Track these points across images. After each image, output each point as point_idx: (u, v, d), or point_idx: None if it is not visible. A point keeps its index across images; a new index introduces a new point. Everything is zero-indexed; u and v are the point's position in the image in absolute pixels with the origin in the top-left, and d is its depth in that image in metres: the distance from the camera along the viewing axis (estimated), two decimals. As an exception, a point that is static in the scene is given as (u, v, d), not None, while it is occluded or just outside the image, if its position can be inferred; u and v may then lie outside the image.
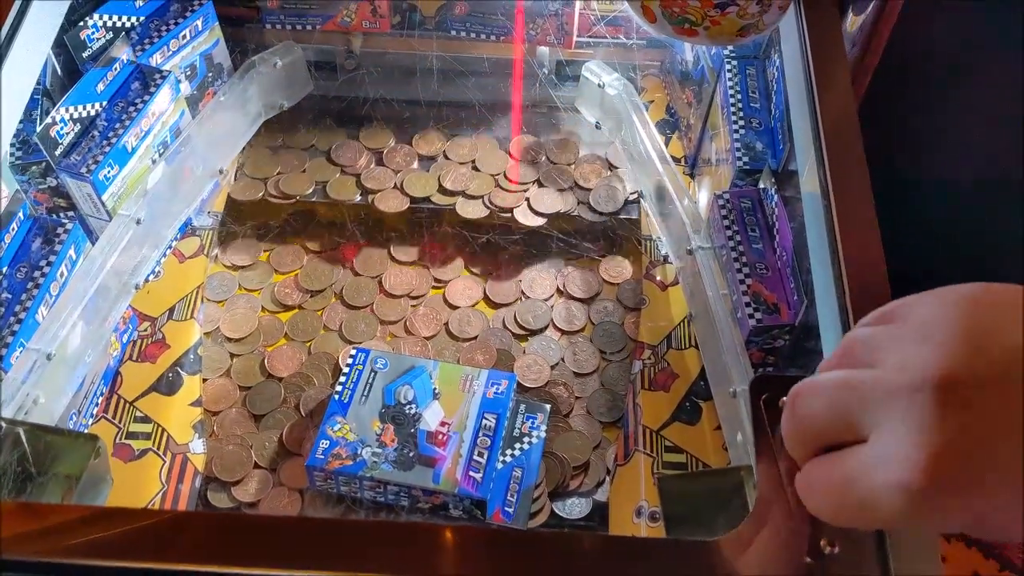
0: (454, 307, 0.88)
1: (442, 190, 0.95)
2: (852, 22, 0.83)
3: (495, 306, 0.89)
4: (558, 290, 0.90)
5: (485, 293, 0.89)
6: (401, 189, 0.95)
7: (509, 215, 0.94)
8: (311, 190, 0.95)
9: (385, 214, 0.94)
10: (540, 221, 0.93)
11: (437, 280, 0.90)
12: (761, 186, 0.78)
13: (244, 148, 0.97)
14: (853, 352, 0.37)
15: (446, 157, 0.99)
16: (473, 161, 0.98)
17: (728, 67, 0.85)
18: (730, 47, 0.86)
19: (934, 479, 0.31)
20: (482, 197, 0.95)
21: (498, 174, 0.97)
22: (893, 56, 0.83)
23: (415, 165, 0.98)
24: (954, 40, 0.77)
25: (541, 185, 0.96)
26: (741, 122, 0.81)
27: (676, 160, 0.97)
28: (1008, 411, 0.31)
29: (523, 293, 0.89)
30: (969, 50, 0.76)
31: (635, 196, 0.94)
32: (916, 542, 0.44)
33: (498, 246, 0.93)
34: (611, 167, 0.98)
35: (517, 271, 0.91)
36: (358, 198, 0.95)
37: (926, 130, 0.83)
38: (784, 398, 0.48)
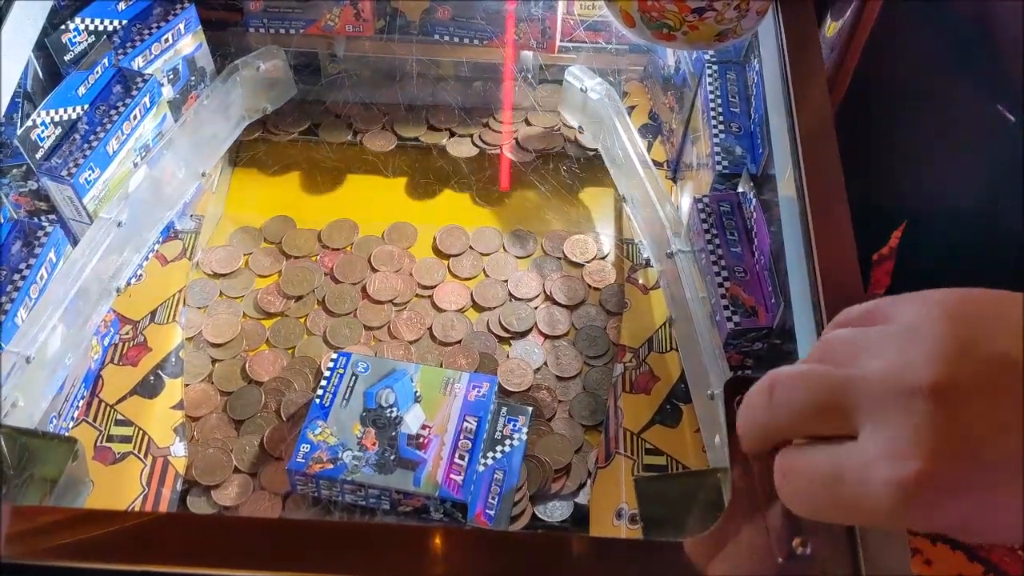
0: (441, 310, 0.88)
1: (430, 127, 1.02)
2: (830, 27, 0.84)
3: (481, 309, 0.89)
4: (544, 294, 0.90)
5: (472, 297, 0.90)
6: (391, 128, 1.02)
7: (497, 151, 1.01)
8: (307, 126, 1.02)
9: (375, 154, 1.00)
10: (529, 157, 1.00)
11: (421, 286, 0.90)
12: (740, 190, 0.78)
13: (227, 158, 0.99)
14: (835, 351, 0.37)
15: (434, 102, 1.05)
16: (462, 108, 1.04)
17: (709, 71, 0.86)
18: (710, 52, 0.87)
19: (927, 479, 0.31)
20: (471, 136, 1.01)
21: (487, 118, 1.04)
22: (871, 61, 0.84)
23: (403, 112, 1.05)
24: (930, 46, 0.78)
25: (528, 124, 1.03)
26: (721, 126, 0.82)
27: (658, 164, 0.98)
28: (994, 417, 0.32)
29: (510, 294, 0.90)
30: (945, 56, 0.77)
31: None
32: (887, 542, 0.45)
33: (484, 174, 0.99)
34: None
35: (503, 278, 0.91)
36: (349, 137, 1.01)
37: (902, 135, 0.84)
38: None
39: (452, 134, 1.02)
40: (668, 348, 0.84)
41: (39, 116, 0.75)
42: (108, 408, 0.79)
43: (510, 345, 0.86)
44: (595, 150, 0.97)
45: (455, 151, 1.01)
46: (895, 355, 0.34)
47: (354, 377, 0.77)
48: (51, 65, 0.82)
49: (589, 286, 0.90)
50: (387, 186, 0.99)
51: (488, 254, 0.93)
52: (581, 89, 0.94)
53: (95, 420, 0.78)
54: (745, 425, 0.40)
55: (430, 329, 0.87)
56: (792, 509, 0.37)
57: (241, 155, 1.01)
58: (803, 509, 0.37)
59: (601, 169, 0.96)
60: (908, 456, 0.32)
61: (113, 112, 0.80)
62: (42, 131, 0.76)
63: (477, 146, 1.01)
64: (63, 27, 0.81)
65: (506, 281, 0.91)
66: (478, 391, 0.77)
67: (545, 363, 0.84)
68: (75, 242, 0.78)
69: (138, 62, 0.85)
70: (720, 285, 0.72)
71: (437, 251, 0.94)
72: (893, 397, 0.33)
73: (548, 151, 1.00)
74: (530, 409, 0.78)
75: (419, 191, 0.99)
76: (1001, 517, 0.32)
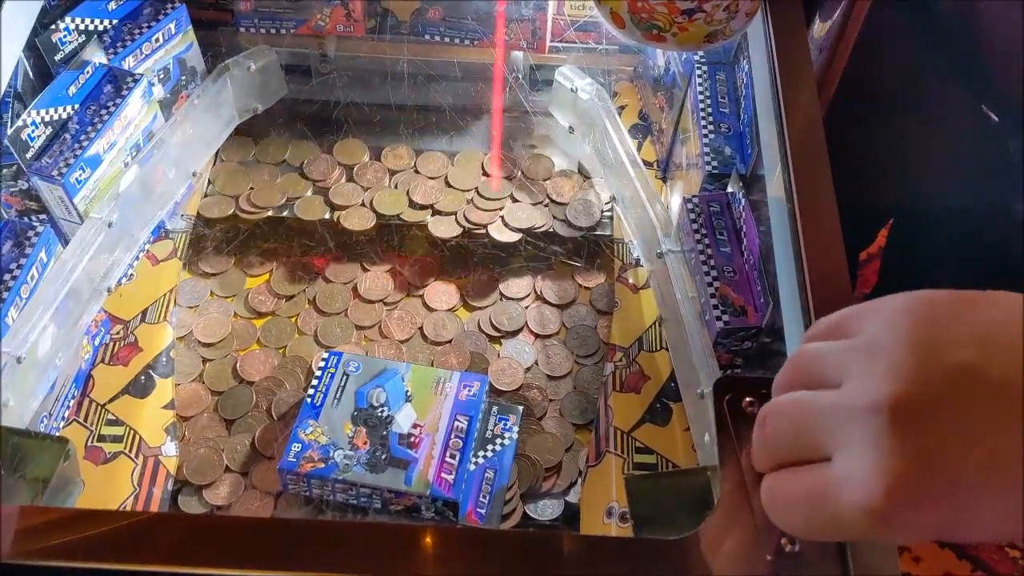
0: (432, 310, 0.89)
1: (412, 204, 0.95)
2: (819, 28, 0.85)
3: (472, 308, 0.89)
4: (534, 293, 0.90)
5: (462, 296, 0.90)
6: (370, 206, 0.94)
7: (484, 231, 0.93)
8: (282, 201, 0.94)
9: (353, 232, 0.93)
10: (515, 237, 0.93)
11: (412, 286, 0.90)
12: (730, 190, 0.79)
13: (216, 162, 0.97)
14: (806, 368, 0.38)
15: (416, 171, 0.98)
16: (445, 177, 0.98)
17: (698, 72, 0.86)
18: (700, 52, 0.87)
19: (894, 498, 0.32)
20: (455, 213, 0.94)
21: (470, 190, 0.96)
22: (859, 62, 0.85)
23: (386, 182, 0.97)
24: (916, 47, 0.78)
25: (515, 200, 0.96)
26: (710, 127, 0.82)
27: (648, 164, 0.98)
28: (956, 428, 0.32)
29: (501, 293, 0.90)
30: (931, 57, 0.77)
31: (609, 207, 0.95)
32: (875, 541, 0.45)
33: (471, 258, 0.93)
34: (585, 178, 0.98)
35: (492, 285, 0.91)
36: (327, 215, 0.94)
37: (889, 135, 0.84)
38: (748, 399, 0.49)
39: (435, 212, 0.94)
40: (658, 347, 0.84)
41: (29, 116, 0.75)
42: (99, 408, 0.79)
43: (501, 344, 0.86)
44: (585, 229, 0.93)
45: (437, 230, 0.93)
46: (857, 373, 0.35)
47: (345, 376, 0.77)
48: (41, 65, 0.82)
49: (580, 285, 0.91)
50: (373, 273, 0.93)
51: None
52: (571, 89, 0.94)
53: (86, 420, 0.78)
54: (754, 455, 0.42)
55: (421, 328, 0.87)
56: (789, 533, 0.38)
57: (208, 241, 0.93)
58: (790, 531, 0.38)
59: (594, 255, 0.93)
60: (874, 477, 0.33)
61: (104, 112, 0.80)
62: (32, 131, 0.76)
63: (461, 225, 0.93)
64: (53, 27, 0.81)
65: (497, 279, 0.91)
66: (469, 390, 0.77)
67: (536, 362, 0.85)
68: (66, 242, 0.78)
69: (129, 62, 0.85)
70: (709, 285, 0.73)
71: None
72: (856, 417, 0.34)
73: (535, 230, 0.93)
74: (521, 408, 0.79)
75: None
76: (975, 522, 0.32)
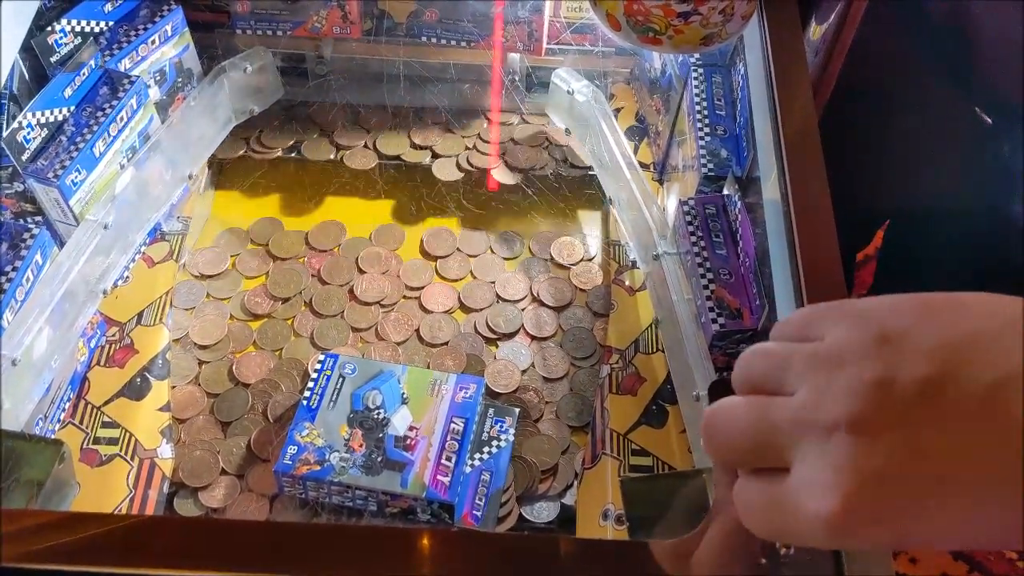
0: (428, 312, 0.89)
1: (413, 145, 1.01)
2: (815, 31, 0.85)
3: (468, 311, 0.89)
4: (531, 295, 0.90)
5: (459, 298, 0.90)
6: (373, 147, 1.00)
7: (483, 174, 0.99)
8: (291, 143, 1.00)
9: (356, 171, 0.98)
10: (518, 178, 0.99)
11: (409, 288, 0.90)
12: (726, 192, 0.79)
13: (212, 163, 0.98)
14: (766, 367, 0.38)
15: (418, 117, 1.03)
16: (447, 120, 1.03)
17: (695, 74, 0.87)
18: (696, 55, 0.87)
19: (850, 513, 0.32)
20: (456, 156, 0.99)
21: (472, 136, 1.02)
22: (855, 64, 0.85)
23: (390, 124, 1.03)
24: (911, 50, 0.78)
25: (515, 143, 1.01)
26: (707, 129, 0.82)
27: (645, 166, 0.98)
28: (910, 441, 0.32)
29: (497, 296, 0.90)
30: (926, 60, 0.77)
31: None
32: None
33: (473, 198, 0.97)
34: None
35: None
36: (332, 156, 1.00)
37: (885, 137, 0.84)
38: None
39: (435, 155, 1.00)
40: (654, 349, 0.84)
41: (25, 118, 0.75)
42: (94, 410, 0.79)
43: (497, 346, 0.86)
44: (585, 168, 0.97)
45: (440, 173, 0.99)
46: (816, 384, 0.35)
47: (341, 379, 0.77)
48: (37, 67, 0.81)
49: (576, 287, 0.91)
50: (371, 204, 0.99)
51: (475, 256, 0.94)
52: (568, 91, 0.94)
53: (81, 422, 0.78)
54: (706, 446, 0.41)
55: (417, 330, 0.87)
56: (755, 534, 0.38)
57: (224, 175, 0.99)
58: (760, 535, 0.38)
59: (589, 181, 0.96)
60: (829, 491, 0.32)
61: (100, 114, 0.79)
62: (28, 133, 0.76)
63: (463, 169, 0.99)
64: (49, 28, 0.81)
65: (493, 283, 0.91)
66: (465, 392, 0.77)
67: (532, 364, 0.85)
68: (61, 244, 0.78)
69: (125, 64, 0.85)
70: (705, 287, 0.73)
71: (424, 253, 0.94)
72: (813, 432, 0.34)
73: (536, 169, 0.99)
74: (517, 410, 0.79)
75: (405, 196, 0.99)
76: (932, 534, 0.32)
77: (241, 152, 0.99)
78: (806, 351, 0.36)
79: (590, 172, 0.97)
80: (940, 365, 0.33)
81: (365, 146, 1.01)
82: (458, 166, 0.99)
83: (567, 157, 1.00)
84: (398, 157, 1.00)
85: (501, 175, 0.98)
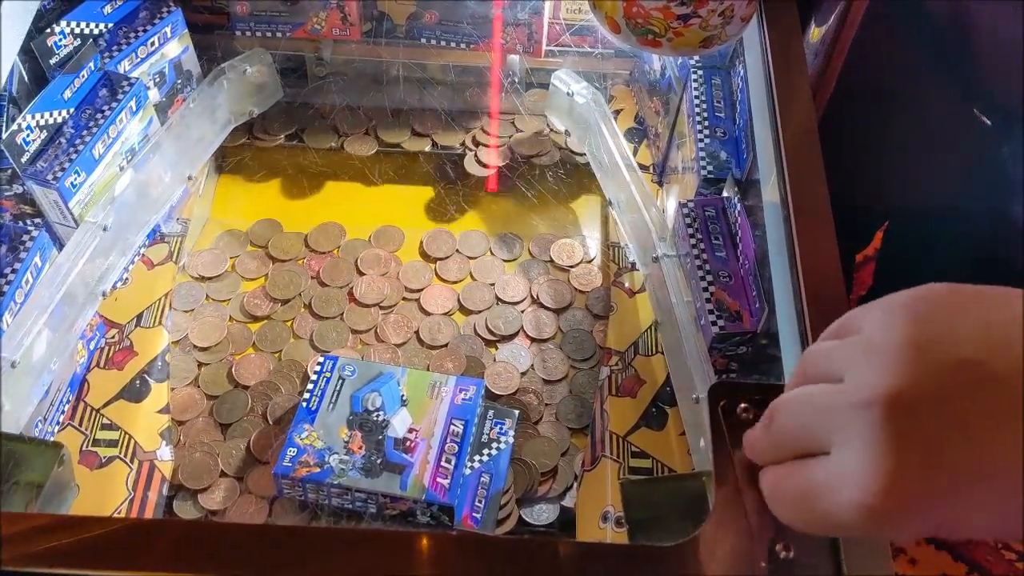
0: (428, 314, 0.89)
1: (414, 133, 1.02)
2: (814, 33, 0.85)
3: (468, 312, 0.89)
4: (530, 297, 0.90)
5: (459, 300, 0.90)
6: (374, 134, 1.01)
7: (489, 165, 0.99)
8: (293, 130, 1.01)
9: (359, 159, 0.99)
10: (517, 163, 1.00)
11: (408, 289, 0.90)
12: (725, 195, 0.79)
13: (211, 165, 0.99)
14: (813, 367, 0.39)
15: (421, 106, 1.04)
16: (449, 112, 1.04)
17: (694, 76, 0.87)
18: (695, 57, 0.87)
19: (889, 497, 0.32)
20: (462, 143, 1.01)
21: (474, 128, 1.03)
22: (854, 66, 0.85)
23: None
24: (911, 52, 0.78)
25: (518, 130, 1.03)
26: (706, 131, 0.82)
27: (644, 168, 0.98)
28: (953, 422, 0.32)
29: (497, 298, 0.90)
30: (925, 61, 0.77)
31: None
32: (869, 546, 0.45)
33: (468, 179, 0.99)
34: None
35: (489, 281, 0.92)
36: (334, 143, 1.01)
37: (885, 138, 0.84)
38: (743, 404, 0.49)
39: (435, 144, 1.01)
40: (654, 351, 0.84)
41: (24, 120, 0.75)
42: (94, 412, 0.79)
43: (497, 348, 0.86)
44: (584, 154, 0.98)
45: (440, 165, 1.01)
46: (855, 368, 0.35)
47: (340, 380, 0.77)
48: (36, 69, 0.81)
49: (575, 289, 0.91)
50: (373, 191, 1.00)
51: (475, 257, 0.93)
52: (567, 93, 0.94)
53: (81, 424, 0.78)
54: (751, 449, 0.42)
55: (417, 332, 0.87)
56: (785, 523, 0.38)
57: (227, 160, 1.00)
58: (789, 524, 0.38)
59: (588, 174, 0.96)
60: (870, 474, 0.32)
61: (99, 116, 0.79)
62: (27, 135, 0.76)
63: (467, 148, 1.01)
64: (49, 30, 0.81)
65: (492, 285, 0.91)
66: (465, 394, 0.77)
67: (532, 366, 0.85)
68: (61, 246, 0.78)
69: (124, 65, 0.85)
70: (705, 289, 0.73)
71: (424, 254, 0.94)
72: (853, 412, 0.34)
73: (538, 156, 1.00)
74: (516, 412, 0.79)
75: (405, 195, 0.99)
76: (970, 520, 0.32)
77: (244, 140, 1.01)
78: (846, 342, 0.37)
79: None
80: (981, 346, 0.33)
81: (366, 133, 1.02)
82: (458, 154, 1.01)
83: (568, 144, 1.01)
84: (398, 145, 1.01)
85: (501, 158, 0.99)
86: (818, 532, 0.37)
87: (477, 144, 1.01)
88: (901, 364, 0.33)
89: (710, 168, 0.80)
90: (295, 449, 0.73)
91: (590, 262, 0.93)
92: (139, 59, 0.86)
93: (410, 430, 0.75)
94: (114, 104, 0.80)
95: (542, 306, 0.89)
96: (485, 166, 0.99)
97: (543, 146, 1.01)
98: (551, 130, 1.02)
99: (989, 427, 0.32)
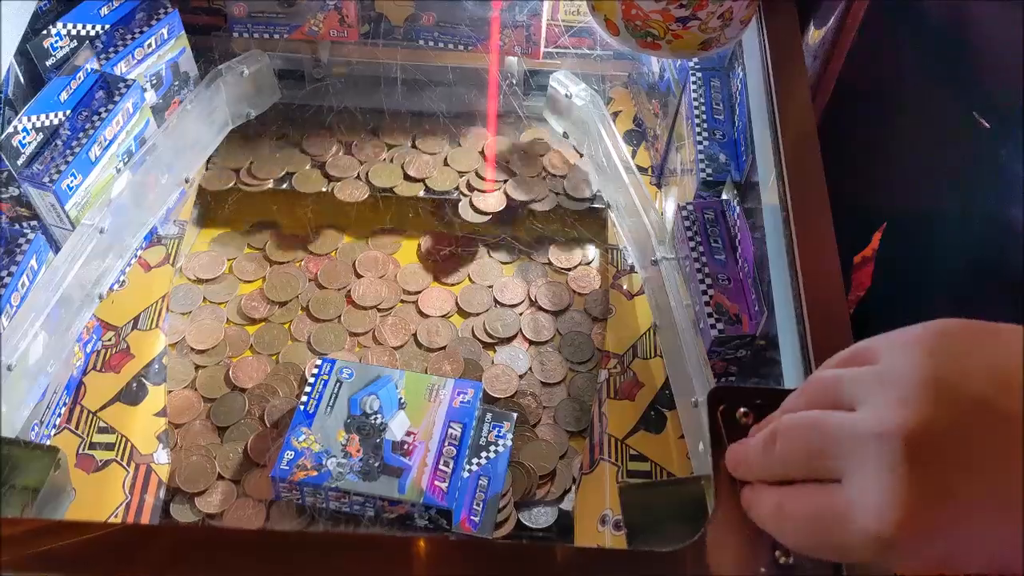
0: (425, 316, 0.88)
1: (407, 177, 0.97)
2: (814, 35, 0.85)
3: (466, 315, 0.89)
4: (528, 300, 0.90)
5: (456, 303, 0.89)
6: (365, 179, 0.97)
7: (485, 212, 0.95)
8: (282, 173, 0.97)
9: (347, 204, 0.95)
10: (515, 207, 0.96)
11: (406, 292, 0.90)
12: (724, 197, 0.79)
13: (208, 167, 0.97)
14: (821, 392, 0.39)
15: (414, 146, 1.01)
16: (445, 158, 0.99)
17: (693, 79, 0.86)
18: (694, 59, 0.87)
19: (905, 529, 0.32)
20: (456, 189, 0.97)
21: (468, 172, 0.98)
22: (853, 68, 0.85)
23: (384, 155, 1.00)
24: (910, 54, 0.78)
25: (513, 173, 0.98)
26: (705, 134, 0.82)
27: (643, 170, 0.98)
28: (966, 459, 0.32)
29: (495, 300, 0.90)
30: (924, 64, 0.77)
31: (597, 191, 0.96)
32: (878, 567, 0.45)
33: (463, 228, 0.95)
34: (580, 155, 0.99)
35: (486, 273, 0.92)
36: (324, 188, 0.96)
37: (884, 140, 0.84)
38: (743, 409, 0.49)
39: (428, 189, 0.96)
40: (652, 354, 0.84)
41: (20, 122, 0.75)
42: (90, 415, 0.79)
43: (495, 351, 0.86)
44: (584, 199, 0.96)
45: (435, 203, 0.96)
46: (870, 399, 0.35)
47: (338, 383, 0.77)
48: (32, 71, 0.81)
49: (574, 291, 0.90)
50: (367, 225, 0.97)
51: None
52: (566, 95, 0.94)
53: (77, 427, 0.78)
54: (746, 464, 0.42)
55: (415, 335, 0.87)
56: (787, 546, 0.38)
57: (212, 206, 0.96)
58: (796, 549, 0.38)
59: (588, 220, 0.94)
60: (885, 506, 0.33)
61: (95, 118, 0.79)
62: (23, 137, 0.75)
63: (461, 193, 0.96)
64: (45, 32, 0.80)
65: (491, 287, 0.91)
66: (463, 397, 0.77)
67: (530, 369, 0.84)
68: (57, 249, 0.78)
69: (121, 67, 0.84)
70: (704, 293, 0.72)
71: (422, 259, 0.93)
72: (868, 443, 0.34)
73: (534, 202, 0.95)
74: (515, 415, 0.78)
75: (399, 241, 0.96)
76: (980, 552, 0.32)
77: (231, 184, 0.96)
78: (859, 372, 0.37)
79: (593, 206, 0.95)
80: (994, 384, 0.33)
81: (357, 177, 0.97)
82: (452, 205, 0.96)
83: (566, 190, 0.96)
84: (391, 190, 0.96)
85: (497, 204, 0.95)
86: (824, 557, 0.37)
87: (471, 189, 0.96)
88: (920, 398, 0.34)
89: (709, 171, 0.79)
90: (292, 452, 0.72)
91: (588, 264, 0.93)
92: (136, 61, 0.86)
93: (408, 433, 0.74)
94: (111, 106, 0.80)
95: (540, 308, 0.89)
96: (480, 212, 0.95)
97: (540, 191, 0.96)
98: (549, 175, 0.98)
99: (1001, 465, 0.32)
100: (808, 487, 0.37)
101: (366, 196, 0.96)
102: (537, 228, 0.95)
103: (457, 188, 0.97)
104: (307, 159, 0.99)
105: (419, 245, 0.94)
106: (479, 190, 0.96)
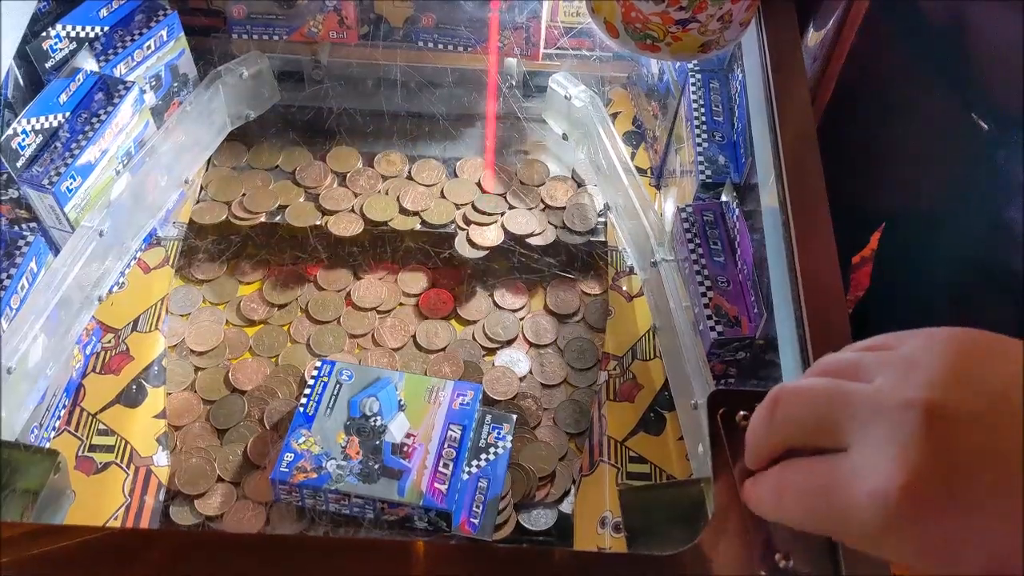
0: (425, 318, 0.88)
1: (403, 211, 0.94)
2: (813, 36, 0.85)
3: (464, 323, 0.88)
4: (529, 304, 0.90)
5: (455, 310, 0.89)
6: (359, 212, 0.93)
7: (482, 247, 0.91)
8: (275, 206, 0.93)
9: (342, 238, 0.92)
10: (510, 243, 0.92)
11: (405, 294, 0.90)
12: (723, 199, 0.79)
13: (208, 167, 0.97)
14: (834, 367, 0.38)
15: (409, 178, 0.97)
16: (441, 189, 0.96)
17: (692, 80, 0.86)
18: (694, 61, 0.87)
19: (911, 494, 0.32)
20: (452, 221, 0.93)
21: (466, 204, 0.95)
22: (852, 70, 0.85)
23: (379, 187, 0.96)
24: (909, 57, 0.78)
25: (511, 207, 0.95)
26: (704, 136, 0.82)
27: (642, 172, 0.98)
28: (983, 443, 0.32)
29: (495, 303, 0.89)
30: (923, 67, 0.77)
31: (603, 214, 0.94)
32: (868, 558, 0.45)
33: (463, 263, 0.92)
34: (579, 184, 0.97)
35: (487, 291, 0.91)
36: (318, 221, 0.93)
37: (882, 142, 0.84)
38: (743, 412, 0.49)
39: (424, 222, 0.93)
40: (652, 356, 0.84)
41: (20, 124, 0.75)
42: (90, 417, 0.78)
43: (495, 353, 0.86)
44: (583, 234, 0.93)
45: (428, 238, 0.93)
46: (895, 374, 0.35)
47: (338, 385, 0.77)
48: (32, 73, 0.81)
49: (583, 292, 0.90)
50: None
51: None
52: (565, 96, 0.94)
53: (77, 430, 0.78)
54: (750, 441, 0.41)
55: (414, 337, 0.87)
56: (783, 521, 0.38)
57: (201, 247, 0.92)
58: (793, 522, 0.37)
59: (589, 257, 0.92)
60: (894, 469, 0.32)
61: (95, 120, 0.79)
62: (23, 139, 0.75)
63: (458, 227, 0.93)
64: (44, 34, 0.80)
65: (491, 295, 0.90)
66: (462, 399, 0.77)
67: (530, 371, 0.84)
68: (56, 251, 0.77)
69: (120, 69, 0.84)
70: (703, 295, 0.72)
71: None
72: (888, 410, 0.34)
73: (532, 236, 0.93)
74: (514, 417, 0.78)
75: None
76: (979, 542, 0.32)
77: (222, 217, 0.93)
78: (879, 355, 0.37)
79: (592, 238, 0.93)
80: (1019, 386, 0.33)
81: (351, 210, 0.94)
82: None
83: (564, 222, 0.94)
84: (386, 223, 0.93)
85: (495, 238, 0.92)
86: (824, 530, 0.36)
87: (468, 223, 0.93)
88: (943, 383, 0.33)
89: (708, 173, 0.79)
90: (292, 454, 0.72)
91: (589, 265, 0.93)
92: (135, 62, 0.86)
93: (408, 435, 0.74)
94: (110, 108, 0.80)
95: (546, 311, 0.88)
96: (477, 247, 0.91)
97: (538, 225, 0.93)
98: (547, 207, 0.95)
99: (1016, 466, 0.32)
100: (810, 458, 0.37)
101: (361, 231, 0.92)
102: (534, 263, 0.92)
103: (454, 221, 0.93)
104: (301, 191, 0.95)
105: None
106: (476, 223, 0.93)
